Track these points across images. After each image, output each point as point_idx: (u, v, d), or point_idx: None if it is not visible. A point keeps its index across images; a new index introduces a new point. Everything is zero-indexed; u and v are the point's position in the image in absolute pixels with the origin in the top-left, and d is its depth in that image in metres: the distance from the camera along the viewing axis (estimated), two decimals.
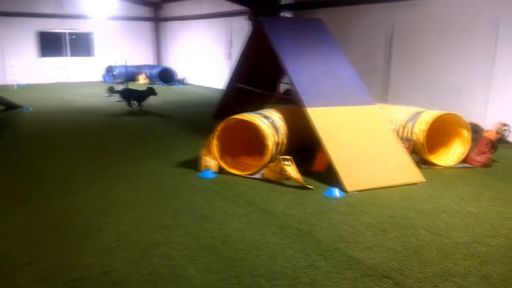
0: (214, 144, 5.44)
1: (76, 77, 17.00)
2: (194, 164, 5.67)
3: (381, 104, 6.76)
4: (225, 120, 5.52)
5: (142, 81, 16.59)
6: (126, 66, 13.79)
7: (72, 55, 17.11)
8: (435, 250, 3.54)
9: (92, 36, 17.38)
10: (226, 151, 5.60)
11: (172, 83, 16.15)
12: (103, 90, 13.30)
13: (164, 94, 13.59)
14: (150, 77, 16.61)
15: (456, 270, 3.24)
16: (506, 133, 7.16)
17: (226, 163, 5.48)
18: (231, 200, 4.63)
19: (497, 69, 7.37)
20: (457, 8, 7.83)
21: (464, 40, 7.80)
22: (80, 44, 17.33)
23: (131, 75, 15.94)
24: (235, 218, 4.14)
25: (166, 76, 16.34)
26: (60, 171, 5.63)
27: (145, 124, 9.00)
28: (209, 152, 5.45)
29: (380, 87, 9.39)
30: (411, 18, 8.67)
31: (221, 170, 5.47)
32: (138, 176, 5.44)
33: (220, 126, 5.50)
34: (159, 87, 15.26)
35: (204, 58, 15.93)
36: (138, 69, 17.10)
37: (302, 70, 6.09)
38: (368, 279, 3.11)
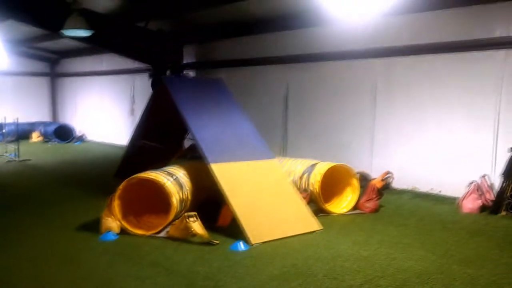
0: (116, 204, 5.28)
1: None
2: (94, 226, 5.41)
3: (280, 158, 7.18)
4: (127, 179, 5.43)
5: (35, 139, 15.55)
6: (18, 124, 12.88)
7: None
8: None
9: None
10: (129, 211, 5.46)
11: (69, 140, 15.36)
12: None
13: (60, 152, 12.88)
14: (45, 134, 15.64)
15: None
16: (390, 180, 7.97)
17: (129, 223, 5.33)
18: (134, 262, 4.49)
19: (378, 124, 8.33)
20: (343, 71, 8.80)
21: (350, 99, 8.73)
22: None
23: (23, 133, 14.86)
24: (138, 281, 4.02)
25: (63, 133, 15.50)
26: None
27: (40, 185, 8.40)
28: (111, 213, 5.26)
29: (280, 141, 9.97)
30: (304, 79, 9.51)
31: (124, 231, 5.29)
32: (31, 244, 5.03)
33: (121, 185, 5.38)
34: (55, 145, 14.44)
35: (105, 114, 15.52)
36: (32, 126, 16.03)
37: (205, 127, 6.29)
38: None
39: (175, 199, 5.23)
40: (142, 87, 13.24)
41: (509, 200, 6.30)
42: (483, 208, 6.54)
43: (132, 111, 13.65)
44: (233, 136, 6.37)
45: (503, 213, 6.35)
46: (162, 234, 5.28)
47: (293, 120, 9.81)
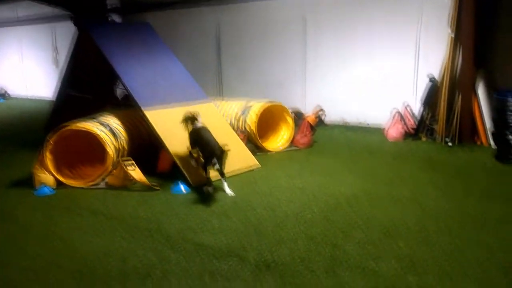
0: (48, 158, 5.12)
1: None
2: (29, 182, 5.24)
3: (216, 100, 7.20)
4: (58, 132, 5.24)
5: None
6: None
7: None
8: (270, 224, 4.03)
9: None
10: (63, 164, 5.32)
11: None
12: None
13: None
14: None
15: (287, 236, 3.77)
16: (323, 117, 8.34)
17: (64, 176, 5.22)
18: (74, 213, 4.47)
19: (309, 63, 8.53)
20: (272, 11, 8.76)
21: (281, 39, 8.79)
22: None
23: None
24: (80, 231, 4.03)
25: None
26: None
27: None
28: (43, 167, 5.11)
29: (215, 83, 9.93)
30: (234, 20, 9.37)
31: (60, 185, 5.19)
32: None
33: (52, 139, 5.19)
34: None
35: (27, 68, 14.46)
36: None
37: (136, 74, 6.11)
38: (216, 261, 3.41)
39: (110, 148, 5.15)
40: (65, 35, 12.39)
41: (429, 127, 6.87)
42: (406, 135, 7.09)
43: (56, 62, 12.81)
44: (166, 81, 6.26)
45: (424, 139, 6.94)
46: (102, 185, 5.24)
47: (227, 61, 9.75)
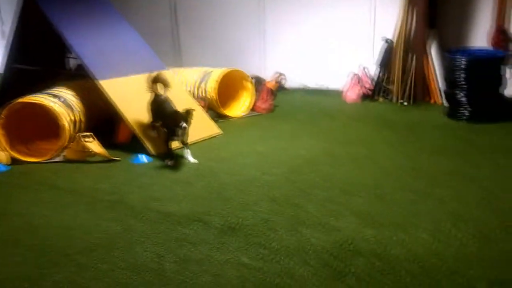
0: (0, 134, 4.92)
1: None
2: None
3: (173, 68, 7.06)
4: (8, 106, 5.01)
5: None
6: None
7: None
8: (234, 188, 4.09)
9: None
10: (17, 139, 5.13)
11: None
12: None
13: None
14: None
15: (250, 200, 3.84)
16: (283, 81, 8.36)
17: (18, 152, 5.03)
18: (31, 189, 4.34)
19: (268, 29, 8.47)
20: None
21: (239, 6, 8.64)
22: None
23: None
24: (39, 206, 3.94)
25: None
26: None
27: None
28: None
29: (172, 51, 9.69)
30: None
31: (15, 161, 5.01)
32: None
33: (3, 114, 4.97)
34: None
35: None
36: None
37: (88, 43, 5.85)
38: (180, 227, 3.45)
39: (65, 121, 4.99)
40: (10, 4, 11.63)
41: (385, 88, 7.05)
42: (364, 97, 7.25)
43: (2, 33, 12.06)
44: (120, 50, 6.05)
45: (381, 100, 7.12)
46: (59, 159, 5.10)
47: (185, 29, 9.50)
